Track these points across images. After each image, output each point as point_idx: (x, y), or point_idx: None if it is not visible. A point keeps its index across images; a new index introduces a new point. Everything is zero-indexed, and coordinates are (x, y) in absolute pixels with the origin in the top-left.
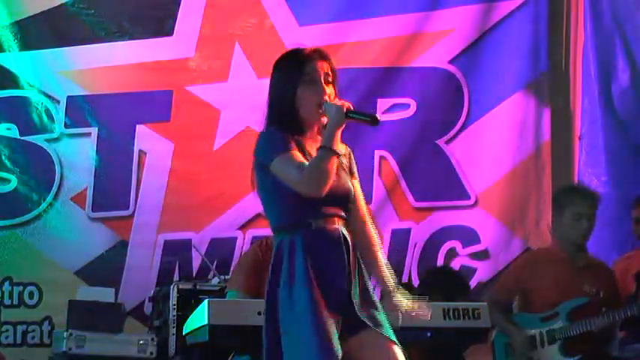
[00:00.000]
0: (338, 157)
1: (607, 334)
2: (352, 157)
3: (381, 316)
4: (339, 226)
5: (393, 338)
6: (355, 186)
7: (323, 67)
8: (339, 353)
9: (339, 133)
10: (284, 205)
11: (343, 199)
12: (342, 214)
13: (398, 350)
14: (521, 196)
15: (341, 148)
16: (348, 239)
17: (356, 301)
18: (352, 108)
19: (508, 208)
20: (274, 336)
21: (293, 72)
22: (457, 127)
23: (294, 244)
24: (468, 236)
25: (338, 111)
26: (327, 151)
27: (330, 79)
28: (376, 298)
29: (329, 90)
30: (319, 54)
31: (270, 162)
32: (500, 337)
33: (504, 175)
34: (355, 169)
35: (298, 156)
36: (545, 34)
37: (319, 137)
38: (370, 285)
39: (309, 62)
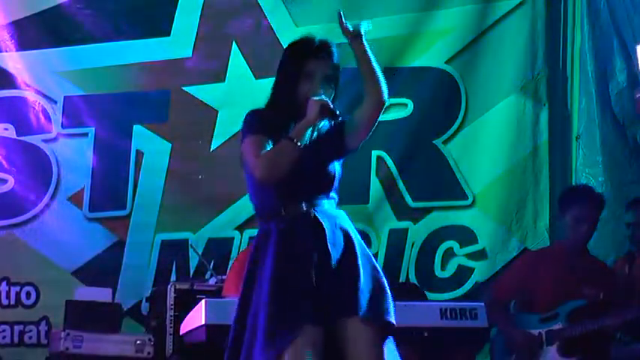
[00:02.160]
0: (299, 148)
1: (606, 335)
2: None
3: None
4: (317, 210)
5: (371, 319)
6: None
7: (325, 65)
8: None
9: (309, 129)
10: (263, 192)
11: (323, 184)
12: (323, 198)
13: (376, 342)
14: (518, 196)
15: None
16: (325, 225)
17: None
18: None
19: (505, 208)
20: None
21: (294, 67)
22: (454, 127)
23: (270, 233)
24: (466, 236)
25: (317, 109)
26: (290, 143)
27: (331, 78)
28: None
29: (325, 89)
30: (326, 51)
31: (242, 141)
32: (498, 337)
33: (501, 175)
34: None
35: (263, 141)
36: (542, 35)
37: None
38: (363, 270)
39: (311, 60)
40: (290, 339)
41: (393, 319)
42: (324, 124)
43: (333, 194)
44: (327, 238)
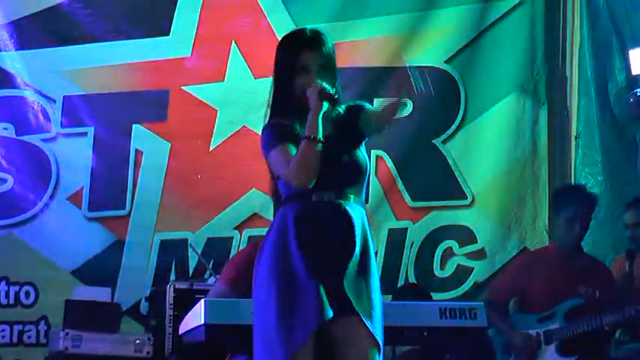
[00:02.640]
0: (320, 143)
1: (604, 333)
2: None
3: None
4: (343, 200)
5: (369, 330)
6: (364, 115)
7: (319, 55)
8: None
9: (318, 118)
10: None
11: (347, 174)
12: (348, 188)
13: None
14: (517, 195)
15: (341, 117)
16: (351, 214)
17: (347, 279)
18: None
19: (504, 207)
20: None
21: (289, 61)
22: (454, 127)
23: (287, 215)
24: (465, 236)
25: (314, 95)
26: (308, 140)
27: (329, 65)
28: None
29: (322, 78)
30: (318, 42)
31: (267, 158)
32: (497, 337)
33: (501, 175)
34: (360, 103)
35: (288, 149)
36: (541, 34)
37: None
38: (371, 275)
39: (304, 52)
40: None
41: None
42: (338, 111)
43: (362, 193)
44: (355, 233)
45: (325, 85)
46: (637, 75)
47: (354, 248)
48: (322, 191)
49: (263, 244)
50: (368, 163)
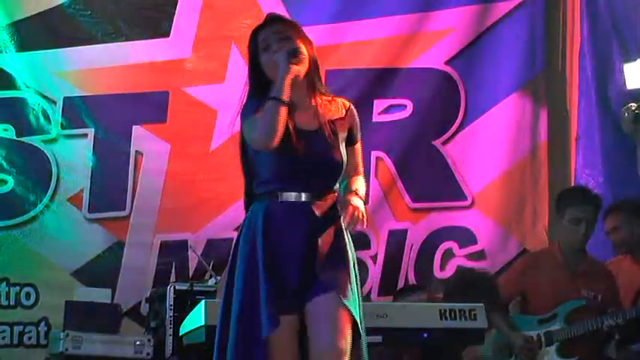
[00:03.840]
0: (288, 106)
1: (604, 336)
2: (353, 120)
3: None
4: (311, 199)
5: (344, 306)
6: (348, 153)
7: (274, 29)
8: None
9: (288, 81)
10: (259, 177)
11: (321, 171)
12: (321, 186)
13: (339, 320)
14: (517, 196)
15: (332, 111)
16: (316, 213)
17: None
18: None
19: (504, 209)
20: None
21: (252, 45)
22: (454, 128)
23: (257, 213)
24: (465, 237)
25: (282, 59)
26: (273, 100)
27: (285, 35)
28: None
29: (286, 45)
30: (270, 19)
31: (241, 135)
32: (497, 339)
33: (501, 176)
34: (356, 132)
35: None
36: (541, 35)
37: (310, 97)
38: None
39: (261, 31)
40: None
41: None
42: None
43: (334, 186)
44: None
45: (290, 48)
46: (632, 90)
47: (323, 245)
48: (290, 190)
49: (237, 238)
50: (344, 161)
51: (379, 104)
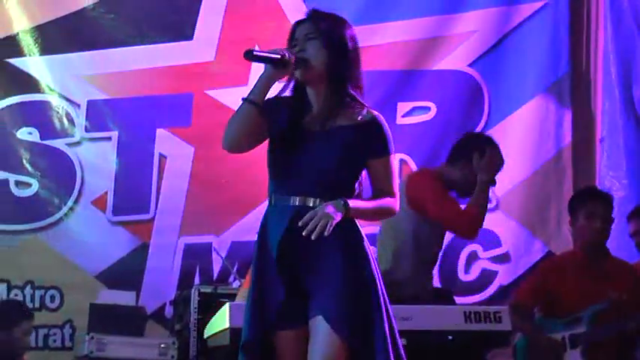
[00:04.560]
0: (256, 107)
1: (631, 338)
2: (371, 132)
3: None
4: (299, 202)
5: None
6: (370, 167)
7: (305, 29)
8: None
9: (261, 82)
10: (268, 178)
11: (311, 175)
12: (312, 192)
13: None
14: (542, 199)
15: (347, 117)
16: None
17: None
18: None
19: (529, 211)
20: None
21: (290, 36)
22: (477, 131)
23: (264, 218)
24: (489, 239)
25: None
26: (243, 101)
27: (312, 37)
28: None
29: (304, 46)
30: (308, 15)
31: None
32: (522, 341)
33: (525, 179)
34: (375, 146)
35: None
36: (566, 37)
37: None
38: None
39: (298, 27)
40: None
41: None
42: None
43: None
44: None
45: (285, 49)
46: None
47: (312, 253)
48: (282, 193)
49: None
50: (336, 170)
51: (403, 107)
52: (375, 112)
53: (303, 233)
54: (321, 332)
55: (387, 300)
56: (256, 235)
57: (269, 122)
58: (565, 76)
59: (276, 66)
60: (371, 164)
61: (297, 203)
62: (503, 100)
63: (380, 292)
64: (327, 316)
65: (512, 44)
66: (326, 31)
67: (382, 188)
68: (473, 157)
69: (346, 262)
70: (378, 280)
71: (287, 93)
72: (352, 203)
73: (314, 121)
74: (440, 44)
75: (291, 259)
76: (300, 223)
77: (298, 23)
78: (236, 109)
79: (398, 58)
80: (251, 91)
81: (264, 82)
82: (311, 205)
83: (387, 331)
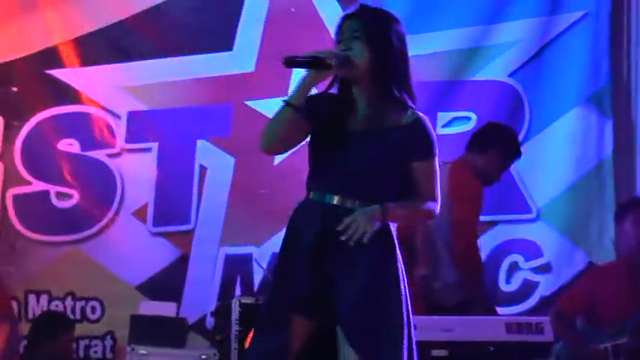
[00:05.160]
0: (295, 111)
1: None
2: (414, 134)
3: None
4: (337, 201)
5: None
6: (411, 170)
7: (352, 25)
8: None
9: (302, 86)
10: (307, 175)
11: (351, 175)
12: (350, 192)
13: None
14: (583, 209)
15: (392, 119)
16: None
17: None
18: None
19: (570, 221)
20: None
21: (336, 32)
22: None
23: (294, 211)
24: (530, 250)
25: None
26: (284, 104)
27: (355, 35)
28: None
29: (349, 46)
30: (357, 10)
31: None
32: (564, 352)
33: (566, 189)
34: (416, 149)
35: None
36: (606, 46)
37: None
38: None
39: (342, 23)
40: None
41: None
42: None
43: (373, 199)
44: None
45: (327, 52)
46: None
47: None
48: (318, 190)
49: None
50: (382, 174)
51: (443, 117)
52: (421, 114)
53: (342, 237)
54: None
55: (411, 310)
56: (288, 222)
57: (310, 120)
58: (606, 86)
59: (317, 69)
60: (414, 166)
61: (334, 202)
62: (543, 111)
63: (404, 302)
64: (351, 341)
65: (553, 54)
66: (372, 30)
67: (424, 191)
68: (501, 148)
69: (374, 267)
70: (403, 288)
71: (332, 90)
72: (392, 209)
73: (358, 120)
74: (480, 54)
75: (322, 255)
76: (339, 228)
77: (346, 17)
78: (276, 110)
79: (439, 68)
80: (291, 94)
81: (305, 85)
82: (348, 205)
83: (407, 345)
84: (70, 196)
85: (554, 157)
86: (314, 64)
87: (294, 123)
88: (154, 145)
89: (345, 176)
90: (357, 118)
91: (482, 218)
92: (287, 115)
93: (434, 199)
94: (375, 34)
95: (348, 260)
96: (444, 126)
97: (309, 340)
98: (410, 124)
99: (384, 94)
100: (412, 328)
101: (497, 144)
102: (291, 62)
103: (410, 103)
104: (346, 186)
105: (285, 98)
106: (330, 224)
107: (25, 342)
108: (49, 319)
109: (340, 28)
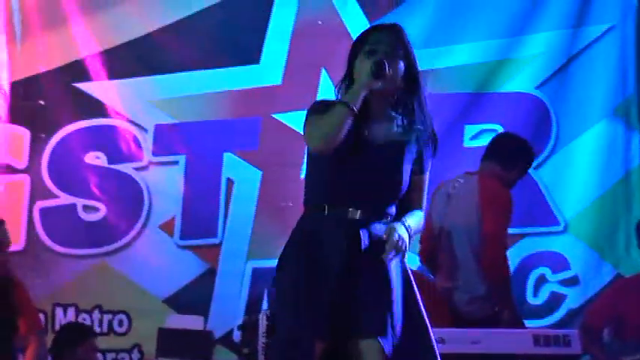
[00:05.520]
0: (352, 114)
1: None
2: (425, 147)
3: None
4: (360, 216)
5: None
6: (412, 182)
7: (390, 40)
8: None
9: (362, 92)
10: (310, 184)
11: (376, 188)
12: (372, 205)
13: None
14: (610, 221)
15: (408, 131)
16: (361, 235)
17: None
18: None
19: (597, 234)
20: None
21: (358, 43)
22: (545, 153)
23: (304, 224)
24: (558, 262)
25: (368, 69)
26: (342, 106)
27: (392, 51)
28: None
29: (392, 59)
30: (391, 27)
31: (303, 132)
32: None
33: (593, 201)
34: (424, 161)
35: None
36: (632, 59)
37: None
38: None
39: (376, 33)
40: None
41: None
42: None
43: (388, 212)
44: (362, 248)
45: (380, 61)
46: None
47: (360, 265)
48: (338, 204)
49: (289, 241)
50: (403, 184)
51: (470, 129)
52: (433, 130)
53: (384, 259)
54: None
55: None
56: (294, 239)
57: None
58: (632, 98)
59: (378, 77)
60: (415, 179)
61: (357, 217)
62: (570, 123)
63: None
64: (373, 330)
65: (580, 66)
66: (408, 48)
67: (417, 203)
68: (529, 163)
69: (393, 278)
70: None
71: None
72: (411, 228)
73: (377, 133)
74: (507, 66)
75: (348, 274)
76: (384, 256)
77: (380, 30)
78: (332, 110)
79: (465, 80)
80: (349, 96)
81: (362, 90)
82: (369, 219)
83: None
84: (97, 210)
85: (581, 169)
86: (380, 71)
87: (347, 125)
88: (181, 158)
89: (365, 189)
90: (376, 132)
91: (510, 231)
92: (344, 115)
93: (423, 210)
94: (410, 52)
95: (373, 273)
96: (471, 138)
97: None
98: (422, 137)
99: (407, 109)
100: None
101: (527, 159)
102: (381, 66)
103: (424, 119)
104: (368, 199)
105: (344, 99)
106: (353, 238)
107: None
108: (69, 329)
109: (372, 39)
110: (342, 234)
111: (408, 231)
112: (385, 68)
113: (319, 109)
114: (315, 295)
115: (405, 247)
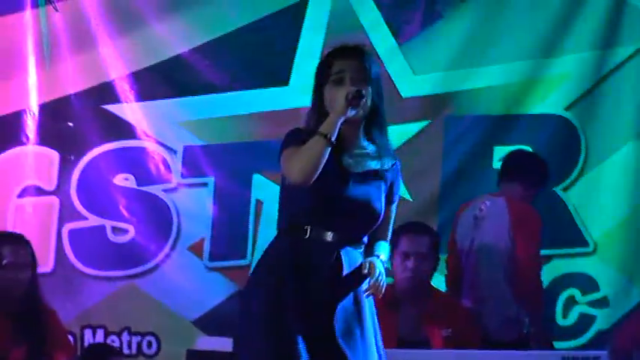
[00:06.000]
0: (330, 145)
1: None
2: (395, 177)
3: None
4: (339, 242)
5: None
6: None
7: (356, 66)
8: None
9: (338, 122)
10: (289, 209)
11: (356, 216)
12: (351, 232)
13: None
14: (638, 243)
15: (382, 160)
16: (342, 259)
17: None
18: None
19: (626, 255)
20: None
21: (326, 66)
22: (574, 174)
23: (284, 247)
24: (587, 284)
25: (342, 99)
26: (320, 136)
27: (364, 77)
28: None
29: (363, 86)
30: (356, 52)
31: (280, 161)
32: None
33: (622, 223)
34: (395, 192)
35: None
36: None
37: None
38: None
39: (340, 60)
40: None
41: None
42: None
43: (363, 240)
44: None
45: (358, 90)
46: None
47: (343, 296)
48: (320, 228)
49: (259, 264)
50: (382, 213)
51: (499, 151)
52: (396, 158)
53: (365, 295)
54: None
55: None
56: (267, 262)
57: None
58: None
59: (355, 106)
60: (388, 209)
61: (335, 241)
62: (600, 144)
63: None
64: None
65: (609, 88)
66: (376, 78)
67: (382, 233)
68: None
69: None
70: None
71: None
72: (384, 262)
73: (353, 162)
74: (536, 88)
75: (335, 297)
76: (367, 293)
77: (342, 54)
78: (311, 142)
79: (494, 101)
80: (326, 127)
81: (339, 120)
82: (355, 248)
83: None
84: (126, 231)
85: (611, 190)
86: (358, 100)
87: (325, 157)
88: (210, 180)
89: (346, 216)
90: (351, 159)
91: None
92: (322, 148)
93: (387, 242)
94: (378, 82)
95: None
96: (500, 160)
97: None
98: (393, 168)
99: (375, 137)
100: None
101: (544, 173)
102: (360, 95)
103: (388, 146)
104: (347, 225)
105: (322, 130)
106: (337, 268)
107: None
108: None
109: (338, 66)
110: (328, 259)
111: (383, 266)
112: (362, 98)
113: (296, 140)
114: (287, 324)
115: (384, 284)
